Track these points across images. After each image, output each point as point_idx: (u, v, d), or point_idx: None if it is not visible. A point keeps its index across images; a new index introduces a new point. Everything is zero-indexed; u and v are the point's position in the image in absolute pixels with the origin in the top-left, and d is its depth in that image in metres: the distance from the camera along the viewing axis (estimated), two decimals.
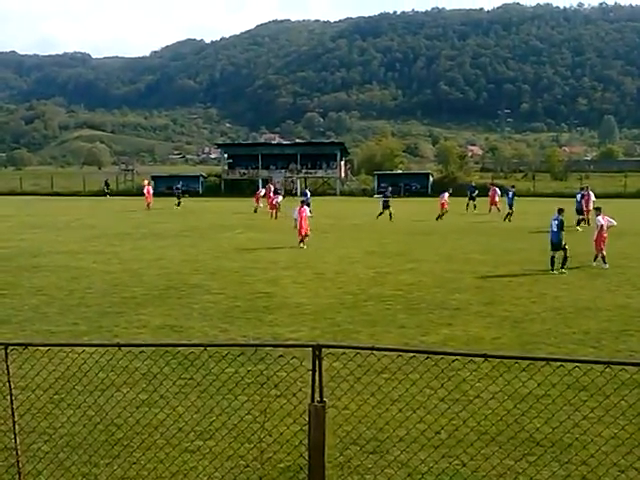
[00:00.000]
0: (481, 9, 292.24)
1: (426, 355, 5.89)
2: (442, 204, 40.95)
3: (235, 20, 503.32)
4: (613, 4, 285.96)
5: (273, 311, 15.04)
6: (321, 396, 5.01)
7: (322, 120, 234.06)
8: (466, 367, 7.54)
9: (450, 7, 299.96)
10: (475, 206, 45.27)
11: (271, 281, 18.98)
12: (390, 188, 46.81)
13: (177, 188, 54.98)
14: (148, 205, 50.48)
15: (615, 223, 22.39)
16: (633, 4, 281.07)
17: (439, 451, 7.16)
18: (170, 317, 14.49)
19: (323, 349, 5.05)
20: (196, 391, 8.62)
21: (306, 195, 43.30)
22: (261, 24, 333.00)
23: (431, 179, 72.53)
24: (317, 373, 4.97)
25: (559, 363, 6.57)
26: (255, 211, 46.31)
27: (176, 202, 50.60)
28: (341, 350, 5.71)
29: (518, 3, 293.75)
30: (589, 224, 32.02)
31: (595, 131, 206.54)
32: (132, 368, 8.12)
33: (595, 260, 21.43)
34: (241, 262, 22.74)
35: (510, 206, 39.17)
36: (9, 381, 5.81)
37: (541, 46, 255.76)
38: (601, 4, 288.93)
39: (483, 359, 5.11)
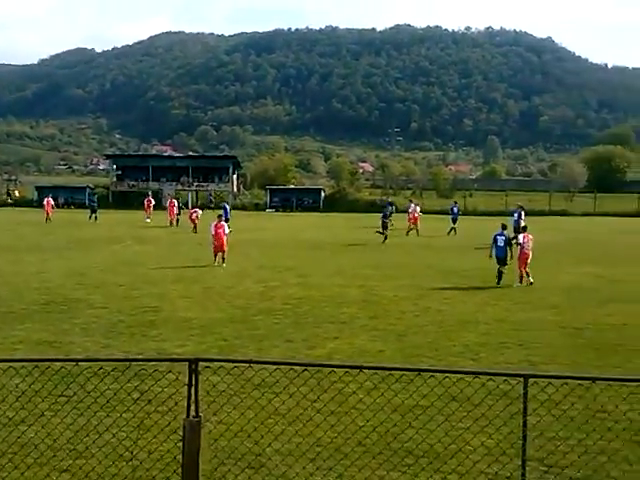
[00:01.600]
0: (373, 29, 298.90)
1: (303, 367, 5.92)
2: (412, 218, 40.94)
3: (128, 31, 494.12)
4: (499, 29, 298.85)
5: (159, 326, 14.76)
6: (197, 411, 4.95)
7: (215, 133, 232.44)
8: (344, 379, 7.64)
9: (344, 26, 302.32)
10: (391, 222, 46.03)
11: (158, 295, 18.63)
12: (391, 207, 44.62)
13: (92, 201, 52.09)
14: (47, 218, 48.20)
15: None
16: (517, 29, 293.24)
17: (315, 463, 7.21)
18: (49, 332, 13.96)
19: (200, 363, 4.99)
20: (69, 408, 8.32)
21: (226, 210, 42.53)
22: (154, 35, 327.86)
23: (323, 194, 73.32)
24: (193, 387, 4.91)
25: (429, 374, 6.75)
26: (149, 220, 45.70)
27: (89, 215, 48.62)
28: (228, 364, 5.68)
29: (409, 24, 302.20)
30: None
31: (480, 151, 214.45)
32: None
33: (520, 280, 21.34)
34: (128, 276, 22.21)
35: (454, 221, 40.92)
36: None
37: (430, 67, 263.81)
38: (487, 28, 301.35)
39: (358, 370, 5.19)
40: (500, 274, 21.33)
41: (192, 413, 4.97)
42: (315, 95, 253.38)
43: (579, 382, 6.21)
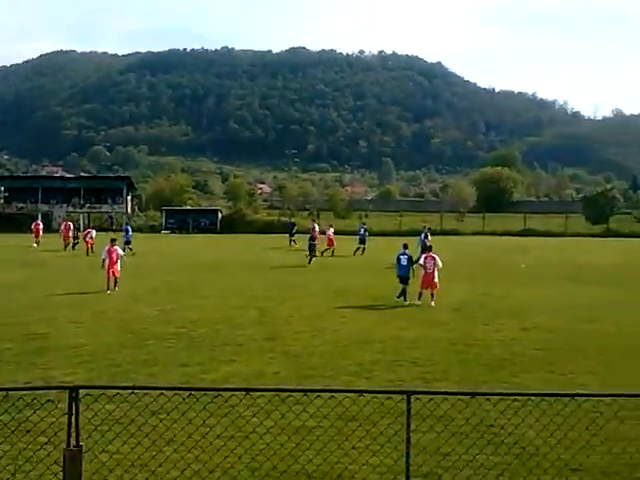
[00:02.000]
0: (269, 51, 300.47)
1: (189, 393, 5.85)
2: (329, 240, 41.51)
3: (18, 49, 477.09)
4: (391, 53, 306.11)
5: (47, 353, 14.22)
6: (77, 440, 4.81)
7: (109, 154, 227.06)
8: (243, 402, 7.60)
9: (239, 47, 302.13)
10: (295, 242, 46.35)
11: (47, 321, 17.95)
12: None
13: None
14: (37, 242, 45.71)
15: (440, 264, 22.30)
16: (409, 54, 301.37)
17: None
18: None
19: (81, 390, 4.86)
20: None
21: (127, 232, 41.37)
22: (45, 54, 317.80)
23: (220, 215, 72.91)
24: (73, 416, 4.77)
25: (330, 394, 6.81)
26: (36, 245, 44.08)
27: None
28: (115, 391, 5.53)
29: (304, 47, 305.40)
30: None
31: (375, 172, 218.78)
32: None
33: (419, 298, 21.72)
34: (15, 302, 21.32)
35: (362, 241, 41.55)
36: None
37: (326, 90, 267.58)
38: (380, 52, 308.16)
39: (258, 393, 5.19)
40: (404, 292, 21.83)
41: (73, 442, 4.82)
42: (212, 116, 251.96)
43: (474, 397, 6.41)
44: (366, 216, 74.60)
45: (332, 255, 40.16)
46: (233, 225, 68.70)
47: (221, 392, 5.82)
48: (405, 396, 5.71)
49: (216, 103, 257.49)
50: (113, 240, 25.93)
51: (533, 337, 16.42)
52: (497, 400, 8.13)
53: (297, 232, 48.65)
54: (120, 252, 25.30)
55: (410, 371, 13.01)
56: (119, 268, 24.76)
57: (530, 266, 34.19)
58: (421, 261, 22.42)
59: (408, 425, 5.68)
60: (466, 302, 22.14)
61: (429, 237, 35.86)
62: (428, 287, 21.81)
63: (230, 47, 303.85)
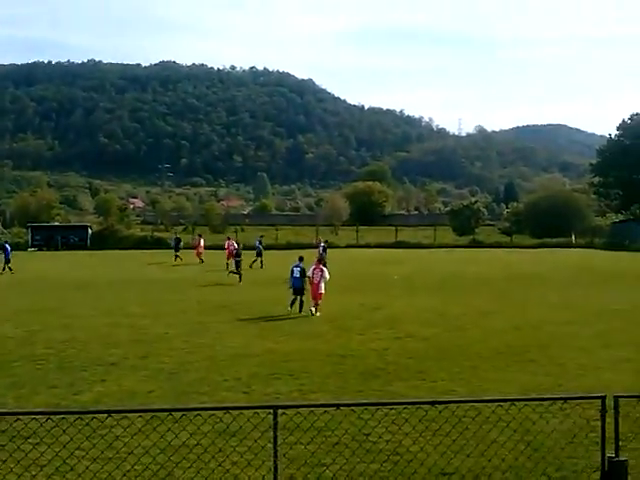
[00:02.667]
0: (138, 64, 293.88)
1: (77, 416, 5.64)
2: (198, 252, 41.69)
3: None
4: (262, 69, 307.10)
5: None
6: None
7: None
8: (107, 424, 7.37)
9: (107, 60, 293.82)
10: (180, 257, 45.46)
11: None
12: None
13: (5, 245, 41.70)
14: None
15: (327, 277, 23.06)
16: (280, 70, 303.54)
17: None
18: None
19: None
20: None
21: (6, 250, 39.17)
22: None
23: (90, 231, 70.56)
24: None
25: (210, 412, 6.72)
26: None
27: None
28: None
29: (174, 62, 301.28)
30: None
31: (250, 187, 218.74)
32: None
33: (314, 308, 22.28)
34: None
35: (259, 254, 41.81)
36: None
37: (198, 104, 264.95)
38: (252, 68, 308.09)
39: (122, 415, 5.05)
40: (294, 302, 22.43)
41: None
42: (79, 129, 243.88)
43: (351, 408, 6.52)
44: (242, 230, 74.39)
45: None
46: (104, 241, 66.58)
47: (95, 414, 5.61)
48: (272, 410, 5.77)
49: (84, 116, 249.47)
50: None
51: (406, 346, 16.91)
52: (367, 409, 8.31)
53: (183, 248, 48.13)
54: None
55: (287, 384, 13.07)
56: None
57: (402, 277, 35.15)
58: (309, 272, 23.04)
59: (275, 438, 5.75)
60: (341, 313, 22.47)
61: (326, 250, 36.20)
62: (314, 297, 22.53)
63: (97, 60, 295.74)
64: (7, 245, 41.18)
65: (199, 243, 47.68)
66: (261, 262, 41.76)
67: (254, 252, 42.15)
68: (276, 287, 30.31)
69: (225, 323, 20.63)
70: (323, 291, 22.73)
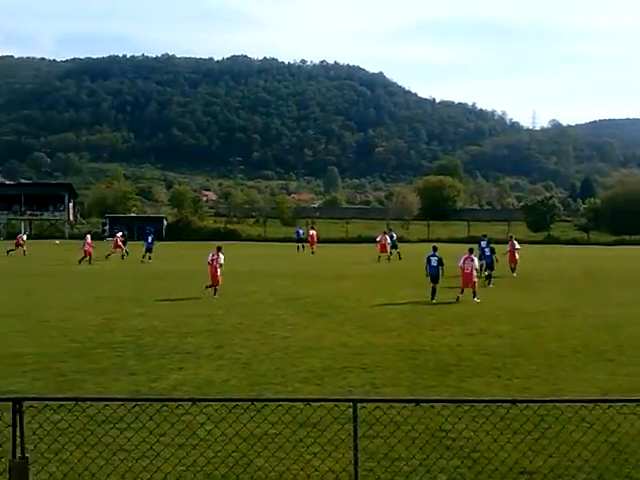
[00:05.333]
0: (211, 59, 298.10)
1: (135, 403, 5.79)
2: (381, 246, 43.21)
3: None
4: (333, 63, 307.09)
5: None
6: (22, 452, 4.72)
7: (49, 160, 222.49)
8: (191, 412, 7.53)
9: (180, 54, 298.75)
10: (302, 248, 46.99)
11: None
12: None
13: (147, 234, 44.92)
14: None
15: (477, 266, 25.27)
16: (350, 64, 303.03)
17: None
18: None
19: (25, 402, 4.77)
20: None
21: (147, 239, 41.99)
22: None
23: (165, 223, 72.12)
24: (17, 428, 4.68)
25: (290, 404, 6.78)
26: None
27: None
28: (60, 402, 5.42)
29: (246, 56, 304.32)
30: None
31: (320, 180, 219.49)
32: None
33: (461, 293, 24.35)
34: None
35: (394, 246, 44.42)
36: None
37: (269, 98, 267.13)
38: (322, 62, 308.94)
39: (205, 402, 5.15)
40: (434, 291, 23.99)
41: (18, 454, 4.73)
42: (154, 123, 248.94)
43: (421, 404, 6.50)
44: (313, 223, 74.75)
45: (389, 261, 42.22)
46: (179, 232, 68.06)
47: (180, 401, 5.75)
48: (352, 403, 5.77)
49: (158, 110, 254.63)
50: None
51: (479, 342, 16.68)
52: (444, 406, 8.25)
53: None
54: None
55: (360, 377, 13.08)
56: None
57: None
58: (460, 263, 24.82)
59: (355, 432, 5.74)
60: (413, 309, 22.37)
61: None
62: (468, 285, 24.35)
63: (170, 54, 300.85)
64: (149, 235, 43.28)
65: (313, 235, 50.98)
66: (398, 253, 43.94)
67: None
68: (346, 279, 30.40)
69: (297, 315, 20.78)
70: (475, 279, 24.55)
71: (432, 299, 23.86)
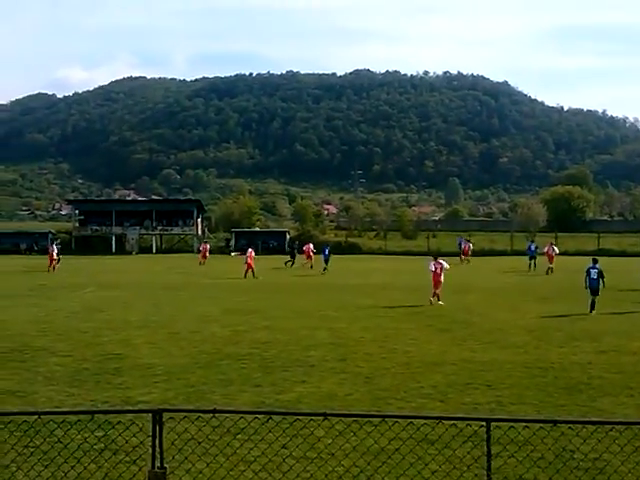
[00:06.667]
0: (334, 74, 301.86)
1: (268, 416, 5.91)
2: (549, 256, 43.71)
3: (89, 76, 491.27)
4: (456, 73, 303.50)
5: (124, 373, 14.55)
6: (161, 462, 4.91)
7: (179, 177, 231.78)
8: (312, 424, 7.61)
9: (304, 71, 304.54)
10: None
11: (122, 341, 18.38)
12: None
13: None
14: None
15: (447, 266, 27.51)
16: (475, 73, 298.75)
17: None
18: (12, 382, 13.67)
19: (164, 414, 4.96)
20: (34, 460, 8.10)
21: (325, 252, 44.84)
22: (115, 80, 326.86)
23: (288, 237, 73.42)
24: (157, 439, 4.87)
25: (409, 420, 6.75)
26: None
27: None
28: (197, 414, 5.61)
29: (369, 70, 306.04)
30: None
31: (442, 192, 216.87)
32: None
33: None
34: (91, 322, 21.90)
35: (532, 257, 44.95)
36: None
37: (390, 111, 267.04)
38: (445, 73, 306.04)
39: (323, 418, 5.19)
40: (593, 303, 23.97)
41: (157, 464, 4.92)
42: (278, 138, 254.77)
43: (558, 424, 6.28)
44: (434, 236, 74.00)
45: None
46: (301, 246, 69.00)
47: (300, 416, 5.83)
48: (485, 422, 5.63)
49: (282, 126, 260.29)
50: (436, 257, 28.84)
51: (611, 360, 15.95)
52: (580, 427, 7.94)
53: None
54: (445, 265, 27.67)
55: (485, 394, 12.79)
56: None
57: (606, 288, 33.21)
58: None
59: (489, 452, 5.61)
60: (538, 324, 21.69)
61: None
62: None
63: (295, 71, 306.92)
64: (327, 247, 46.46)
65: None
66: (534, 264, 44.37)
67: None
68: (470, 293, 29.89)
69: (419, 330, 20.60)
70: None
71: (591, 311, 23.77)
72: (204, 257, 52.95)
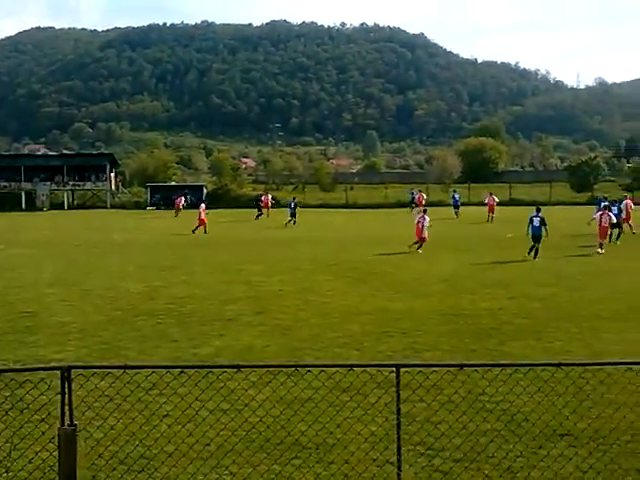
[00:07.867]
0: (250, 24, 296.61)
1: (195, 370, 5.86)
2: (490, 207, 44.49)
3: None
4: (373, 25, 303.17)
5: (36, 331, 14.15)
6: (71, 419, 4.80)
7: (91, 131, 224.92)
8: (235, 378, 7.61)
9: (219, 21, 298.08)
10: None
11: (34, 300, 17.85)
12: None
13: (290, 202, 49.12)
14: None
15: (614, 219, 28.34)
16: (391, 25, 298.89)
17: (208, 463, 7.14)
18: None
19: (73, 370, 4.84)
20: None
21: (290, 206, 43.87)
22: (23, 31, 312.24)
23: (205, 191, 72.53)
24: (66, 396, 4.75)
25: (321, 369, 6.81)
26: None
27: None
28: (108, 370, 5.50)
29: (285, 20, 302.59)
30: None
31: (359, 145, 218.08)
32: None
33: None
34: (1, 280, 21.21)
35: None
36: None
37: (308, 63, 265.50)
38: (362, 24, 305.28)
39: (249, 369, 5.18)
40: (535, 249, 25.11)
41: (67, 421, 4.82)
42: (193, 91, 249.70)
43: (464, 368, 6.46)
44: (351, 189, 74.46)
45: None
46: (218, 200, 68.35)
47: (213, 368, 5.80)
48: (395, 368, 5.74)
49: (198, 78, 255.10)
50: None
51: (521, 306, 16.52)
52: (486, 370, 8.20)
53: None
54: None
55: (400, 342, 13.06)
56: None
57: (516, 237, 34.25)
58: (597, 216, 27.59)
59: (398, 396, 5.73)
60: (453, 273, 22.22)
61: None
62: (605, 237, 27.05)
63: (210, 21, 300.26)
64: (292, 201, 45.69)
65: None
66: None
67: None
68: (387, 245, 30.31)
69: (336, 281, 20.80)
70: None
71: (535, 258, 24.80)
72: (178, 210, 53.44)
